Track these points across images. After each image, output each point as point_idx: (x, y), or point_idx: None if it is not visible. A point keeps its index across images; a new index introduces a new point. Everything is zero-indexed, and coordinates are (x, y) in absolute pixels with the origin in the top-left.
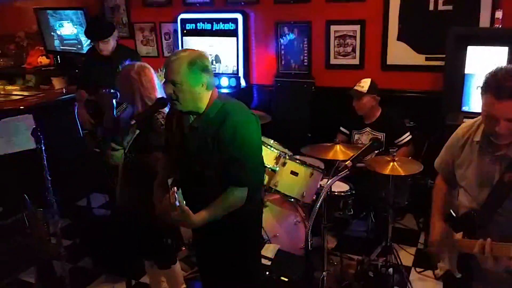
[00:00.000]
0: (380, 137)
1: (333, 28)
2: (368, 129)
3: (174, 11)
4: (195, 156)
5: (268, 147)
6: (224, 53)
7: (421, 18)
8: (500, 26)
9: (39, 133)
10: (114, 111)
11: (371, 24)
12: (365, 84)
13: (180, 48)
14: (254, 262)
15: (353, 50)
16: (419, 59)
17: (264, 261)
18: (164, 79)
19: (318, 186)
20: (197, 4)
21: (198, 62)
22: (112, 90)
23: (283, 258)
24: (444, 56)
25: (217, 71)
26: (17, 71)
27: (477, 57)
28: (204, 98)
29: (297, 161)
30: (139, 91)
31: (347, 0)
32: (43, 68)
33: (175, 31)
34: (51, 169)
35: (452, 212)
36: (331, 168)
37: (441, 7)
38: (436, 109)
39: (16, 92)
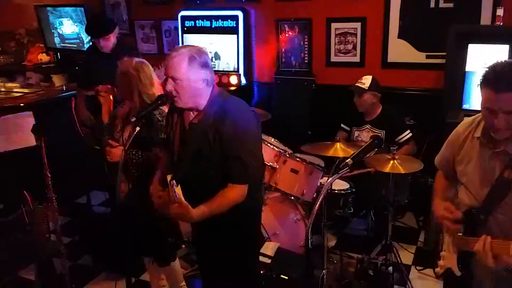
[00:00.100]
0: (380, 134)
1: (333, 25)
2: (368, 126)
3: (175, 8)
4: (195, 153)
5: (268, 144)
6: (224, 50)
7: (422, 16)
8: (501, 24)
9: (39, 130)
10: (111, 107)
11: (371, 21)
12: (366, 81)
13: (180, 45)
14: (254, 259)
15: (354, 47)
16: (419, 57)
17: (264, 259)
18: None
19: (318, 184)
20: (198, 1)
21: (198, 58)
22: (108, 86)
23: (283, 256)
24: (445, 54)
25: (216, 68)
26: (17, 68)
27: (478, 55)
28: (205, 95)
29: (297, 159)
30: (137, 87)
31: None
32: (43, 66)
33: (176, 28)
34: (51, 166)
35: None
36: (331, 166)
37: (442, 4)
38: (437, 107)
39: (16, 89)
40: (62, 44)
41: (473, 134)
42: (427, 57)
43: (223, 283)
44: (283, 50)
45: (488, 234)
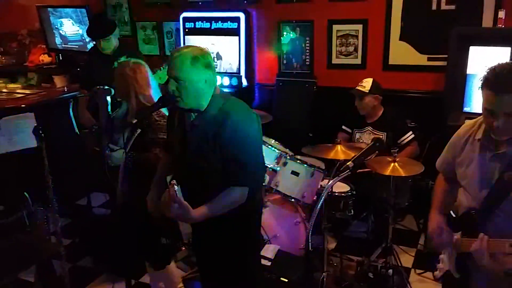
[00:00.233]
0: (381, 136)
1: (335, 27)
2: (369, 128)
3: (176, 9)
4: (196, 154)
5: (269, 146)
6: (226, 52)
7: (424, 18)
8: (502, 26)
9: (40, 132)
10: (109, 109)
11: (373, 23)
12: (367, 84)
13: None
14: (254, 262)
15: (355, 49)
16: (421, 59)
17: (264, 261)
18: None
19: (319, 186)
20: (199, 3)
21: (201, 59)
22: (106, 87)
23: (283, 259)
24: (446, 56)
25: (218, 69)
26: (19, 69)
27: (479, 57)
28: (206, 96)
29: (298, 161)
30: (133, 88)
31: None
32: (45, 66)
33: (177, 29)
34: (51, 168)
35: (451, 212)
36: (332, 169)
37: (444, 6)
38: (438, 110)
39: (18, 90)
40: (64, 45)
41: (474, 136)
42: (429, 59)
43: (223, 286)
44: (284, 52)
45: (486, 235)
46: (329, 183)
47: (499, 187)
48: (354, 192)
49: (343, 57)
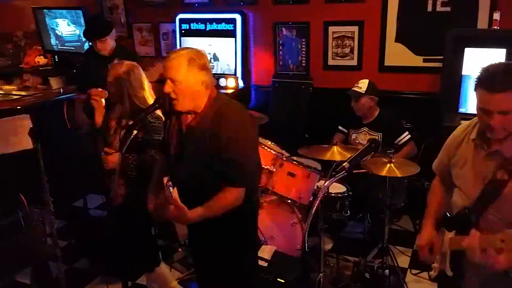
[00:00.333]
0: (377, 137)
1: (331, 29)
2: (365, 129)
3: (173, 11)
4: (192, 155)
5: (265, 148)
6: (222, 53)
7: (419, 20)
8: (498, 28)
9: (36, 133)
10: (103, 111)
11: (369, 25)
12: (363, 85)
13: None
14: (250, 263)
15: (351, 51)
16: (417, 61)
17: (260, 262)
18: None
19: (315, 187)
20: (196, 5)
21: (198, 61)
22: (100, 89)
23: (280, 260)
24: (442, 57)
25: (215, 71)
26: (14, 70)
27: (474, 59)
28: (203, 97)
29: (294, 162)
30: (127, 90)
31: (345, 1)
32: (40, 68)
33: (174, 31)
34: (47, 169)
35: (447, 213)
36: (328, 170)
37: (439, 8)
38: (434, 111)
39: (13, 92)
40: (60, 47)
41: (469, 136)
42: (424, 60)
43: (220, 287)
44: (280, 53)
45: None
46: (325, 184)
47: (492, 186)
48: (351, 193)
49: (339, 58)
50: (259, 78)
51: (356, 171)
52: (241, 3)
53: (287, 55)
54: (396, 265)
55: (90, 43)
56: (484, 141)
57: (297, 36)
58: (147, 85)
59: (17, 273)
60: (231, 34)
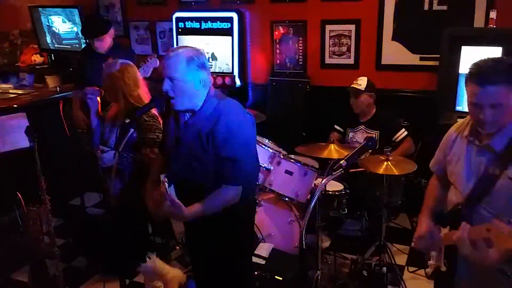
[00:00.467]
0: (374, 135)
1: (328, 27)
2: (362, 127)
3: (169, 9)
4: (190, 153)
5: (263, 146)
6: (219, 52)
7: (416, 18)
8: (494, 26)
9: (33, 132)
10: (99, 109)
11: (366, 23)
12: (362, 82)
13: (175, 46)
14: (247, 260)
15: (348, 49)
16: (413, 59)
17: (258, 260)
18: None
19: (313, 185)
20: (192, 3)
21: (196, 59)
22: (95, 88)
23: (277, 257)
24: (438, 56)
25: (212, 69)
26: (10, 69)
27: (471, 57)
28: (201, 96)
29: (292, 160)
30: (121, 89)
31: None
32: (37, 67)
33: (170, 29)
34: (44, 168)
35: (443, 210)
36: (325, 168)
37: (436, 7)
38: (430, 109)
39: (10, 90)
40: (56, 45)
41: (462, 134)
42: (421, 59)
43: (217, 284)
44: (277, 51)
45: None
46: (323, 181)
47: (484, 180)
48: (348, 191)
49: (336, 57)
50: (256, 76)
51: (353, 170)
52: (238, 2)
53: (284, 54)
54: (393, 262)
55: (88, 41)
56: (476, 137)
57: (294, 34)
58: (141, 83)
59: (14, 272)
60: (228, 32)
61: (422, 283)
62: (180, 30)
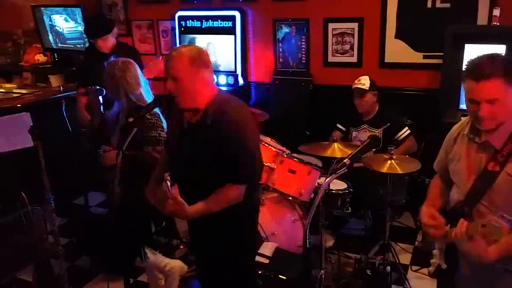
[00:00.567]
0: (377, 134)
1: (331, 25)
2: (365, 126)
3: (172, 8)
4: (193, 152)
5: (266, 145)
6: (222, 50)
7: (419, 16)
8: (497, 24)
9: (36, 131)
10: (101, 108)
11: (369, 21)
12: (365, 81)
13: (177, 45)
14: (250, 259)
15: (351, 48)
16: (416, 57)
17: (262, 259)
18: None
19: (316, 184)
20: (195, 2)
21: (199, 58)
22: (97, 87)
23: (281, 257)
24: (441, 54)
25: (215, 68)
26: (14, 68)
27: (474, 55)
28: (205, 95)
29: (295, 159)
30: (123, 87)
31: None
32: (40, 66)
33: (173, 28)
34: (48, 167)
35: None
36: (329, 166)
37: (439, 4)
38: (434, 107)
39: (14, 90)
40: (59, 45)
41: (463, 132)
42: (424, 57)
43: (220, 283)
44: (280, 50)
45: None
46: (327, 180)
47: (484, 177)
48: (352, 190)
49: (339, 55)
50: (259, 75)
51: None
52: (240, 0)
53: (287, 52)
54: (397, 261)
55: (91, 41)
56: (476, 134)
57: (297, 33)
58: (143, 81)
59: (19, 271)
60: (230, 31)
61: (426, 282)
62: (182, 29)
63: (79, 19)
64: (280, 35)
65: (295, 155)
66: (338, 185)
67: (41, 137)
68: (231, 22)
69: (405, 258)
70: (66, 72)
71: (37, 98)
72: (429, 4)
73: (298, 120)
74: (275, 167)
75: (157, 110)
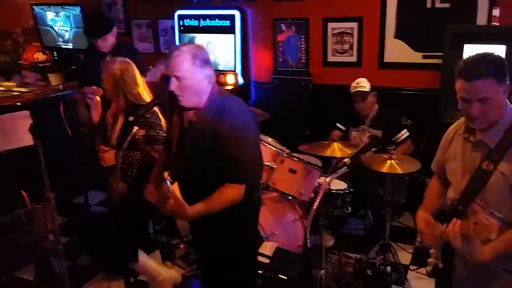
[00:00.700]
0: (377, 134)
1: (330, 25)
2: (365, 126)
3: (172, 7)
4: (192, 151)
5: (266, 144)
6: (221, 49)
7: (419, 16)
8: (497, 24)
9: (36, 130)
10: (99, 108)
11: (368, 21)
12: (365, 83)
13: (177, 44)
14: (251, 259)
15: (351, 47)
16: (416, 57)
17: (262, 259)
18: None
19: (316, 184)
20: (195, 1)
21: (200, 56)
22: (94, 88)
23: (281, 256)
24: (441, 54)
25: (214, 67)
26: (13, 67)
27: None
28: (206, 93)
29: (295, 158)
30: (121, 87)
31: None
32: (39, 64)
33: (172, 27)
34: (48, 166)
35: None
36: (329, 166)
37: (438, 4)
38: (433, 107)
39: (13, 88)
40: (58, 43)
41: (459, 132)
42: (424, 57)
43: (221, 283)
44: (280, 49)
45: None
46: (327, 180)
47: (478, 175)
48: (352, 190)
49: (339, 55)
50: (258, 74)
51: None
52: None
53: (286, 52)
54: (397, 261)
55: (91, 40)
56: (471, 133)
57: (297, 32)
58: (141, 80)
59: (19, 270)
60: (230, 30)
61: (426, 282)
62: (182, 28)
63: (79, 18)
64: (280, 38)
65: (295, 154)
66: (338, 185)
67: (41, 135)
68: (231, 21)
69: (405, 258)
70: (65, 70)
71: (37, 97)
72: (429, 4)
73: (298, 119)
74: (275, 166)
75: (156, 109)
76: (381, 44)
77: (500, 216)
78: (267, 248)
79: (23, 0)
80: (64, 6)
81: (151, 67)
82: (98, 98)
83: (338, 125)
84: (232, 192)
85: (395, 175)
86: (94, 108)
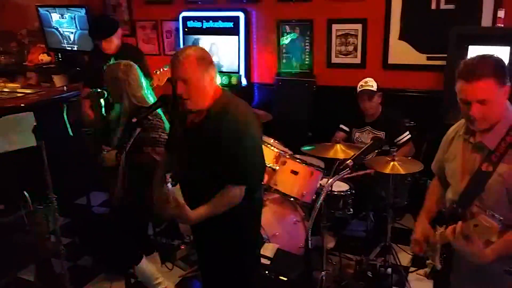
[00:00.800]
0: (380, 135)
1: (334, 26)
2: (368, 127)
3: (176, 9)
4: (195, 152)
5: (268, 146)
6: (225, 51)
7: (423, 17)
8: (502, 26)
9: (40, 131)
10: (103, 110)
11: (372, 23)
12: (372, 83)
13: (181, 46)
14: (253, 260)
15: (355, 49)
16: (420, 59)
17: (263, 260)
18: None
19: (318, 185)
20: (199, 2)
21: (205, 58)
22: (99, 90)
23: (282, 258)
24: (445, 55)
25: (217, 68)
26: (18, 68)
27: None
28: (211, 94)
29: (297, 160)
30: (126, 90)
31: None
32: (44, 66)
33: (177, 29)
34: (51, 167)
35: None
36: (331, 168)
37: (443, 6)
38: (437, 109)
39: (17, 89)
40: (63, 45)
41: (459, 133)
42: (428, 58)
43: (222, 283)
44: (284, 51)
45: None
46: (329, 182)
47: (477, 177)
48: (353, 191)
49: (343, 56)
50: (262, 76)
51: (361, 172)
52: (244, 1)
53: (290, 53)
54: (398, 263)
55: (96, 42)
56: (471, 134)
57: (301, 34)
58: (144, 83)
59: (21, 270)
60: (234, 32)
61: (426, 284)
62: (186, 29)
63: (84, 20)
64: (284, 39)
65: (297, 156)
66: (340, 186)
67: (44, 136)
68: (235, 23)
69: (406, 260)
70: (70, 72)
71: (41, 98)
72: (433, 5)
73: (301, 121)
74: (278, 168)
75: (159, 111)
76: (385, 46)
77: (501, 218)
78: (268, 250)
79: (28, 2)
80: (69, 8)
81: (157, 70)
82: (102, 101)
83: (342, 126)
84: (233, 194)
85: (397, 177)
86: (97, 110)
